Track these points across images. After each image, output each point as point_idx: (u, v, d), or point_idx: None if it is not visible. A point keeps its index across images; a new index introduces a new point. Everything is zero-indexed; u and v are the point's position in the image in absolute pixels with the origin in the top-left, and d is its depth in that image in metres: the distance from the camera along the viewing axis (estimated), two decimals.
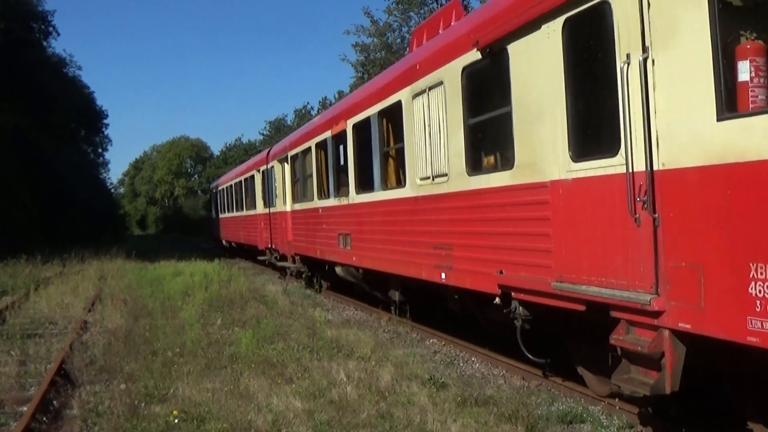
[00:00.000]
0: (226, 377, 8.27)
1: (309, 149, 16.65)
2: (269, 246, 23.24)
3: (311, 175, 16.44)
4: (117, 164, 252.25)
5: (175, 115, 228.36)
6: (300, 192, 18.23)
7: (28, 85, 44.00)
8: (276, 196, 21.32)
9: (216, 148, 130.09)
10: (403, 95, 10.23)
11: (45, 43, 53.14)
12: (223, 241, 38.12)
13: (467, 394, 7.32)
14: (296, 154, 18.45)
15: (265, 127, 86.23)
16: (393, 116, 10.93)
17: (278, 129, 76.57)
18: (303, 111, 75.81)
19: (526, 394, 7.54)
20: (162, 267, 23.77)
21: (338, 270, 14.90)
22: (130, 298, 15.39)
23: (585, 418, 6.70)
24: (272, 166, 22.05)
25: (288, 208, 19.72)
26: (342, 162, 13.79)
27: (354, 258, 13.03)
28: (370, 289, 13.82)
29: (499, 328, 8.75)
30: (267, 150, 24.89)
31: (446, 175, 8.78)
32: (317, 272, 17.80)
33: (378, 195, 11.56)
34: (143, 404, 7.19)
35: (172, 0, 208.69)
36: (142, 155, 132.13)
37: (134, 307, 14.07)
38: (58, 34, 56.17)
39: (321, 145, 15.51)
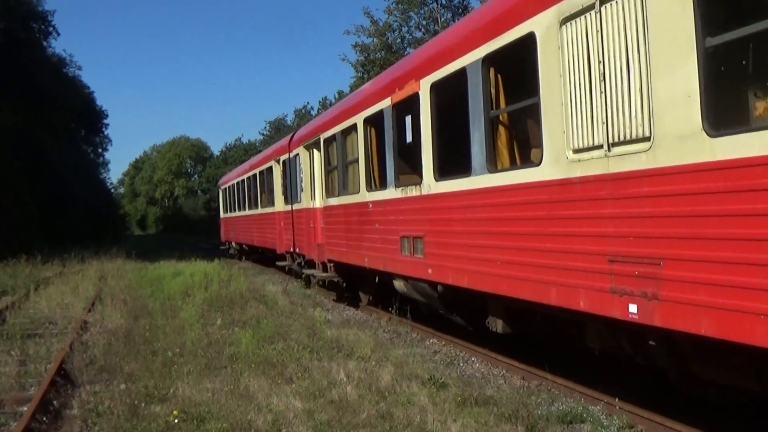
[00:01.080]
0: (226, 377, 8.26)
1: (353, 127, 13.21)
2: (291, 250, 19.87)
3: (356, 161, 13.13)
4: (117, 164, 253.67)
5: (175, 115, 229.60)
6: (338, 183, 14.62)
7: (28, 85, 44.04)
8: (301, 190, 17.79)
9: (216, 148, 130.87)
10: (538, 24, 6.85)
11: (45, 43, 53.39)
12: (233, 243, 34.76)
13: (467, 394, 7.31)
14: (332, 136, 14.82)
15: (265, 127, 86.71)
16: (514, 61, 7.64)
17: (278, 129, 76.81)
18: (303, 111, 76.15)
19: (526, 394, 7.54)
20: (162, 267, 23.75)
21: (398, 284, 11.49)
22: (130, 298, 15.39)
23: (585, 418, 6.70)
24: (297, 155, 18.42)
25: (318, 204, 16.32)
26: (409, 139, 10.55)
27: (429, 270, 9.74)
28: (447, 312, 10.47)
29: (721, 395, 6.04)
30: (289, 136, 21.34)
31: (647, 139, 5.47)
32: (356, 283, 15.16)
33: (479, 181, 8.25)
34: (143, 404, 7.18)
35: (172, 0, 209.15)
36: (142, 155, 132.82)
37: (134, 307, 14.07)
38: (58, 34, 56.55)
39: (373, 120, 12.15)
